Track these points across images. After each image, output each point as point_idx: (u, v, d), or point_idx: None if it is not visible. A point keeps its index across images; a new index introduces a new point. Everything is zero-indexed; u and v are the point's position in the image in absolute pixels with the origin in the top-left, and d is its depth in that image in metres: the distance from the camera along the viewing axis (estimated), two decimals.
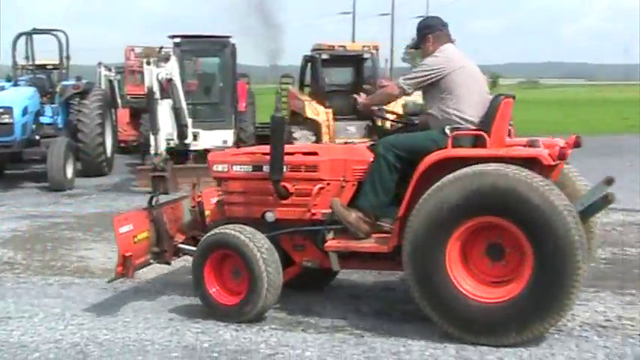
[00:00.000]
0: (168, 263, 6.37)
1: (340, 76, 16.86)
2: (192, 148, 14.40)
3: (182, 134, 13.57)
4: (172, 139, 13.45)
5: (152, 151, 13.06)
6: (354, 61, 16.62)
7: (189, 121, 13.83)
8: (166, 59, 13.39)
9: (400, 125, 6.33)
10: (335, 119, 14.74)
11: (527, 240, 5.00)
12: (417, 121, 6.09)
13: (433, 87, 5.69)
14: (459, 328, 5.17)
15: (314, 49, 16.85)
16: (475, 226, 5.16)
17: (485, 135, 5.40)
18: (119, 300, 6.54)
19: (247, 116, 18.13)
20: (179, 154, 14.18)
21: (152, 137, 13.01)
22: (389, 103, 6.14)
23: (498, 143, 5.45)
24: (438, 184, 5.15)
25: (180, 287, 6.83)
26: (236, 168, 6.16)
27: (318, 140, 14.34)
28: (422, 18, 6.31)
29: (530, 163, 5.20)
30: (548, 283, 4.94)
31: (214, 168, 6.26)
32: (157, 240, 6.16)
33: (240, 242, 5.67)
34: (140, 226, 5.98)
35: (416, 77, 5.75)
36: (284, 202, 5.95)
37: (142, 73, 13.98)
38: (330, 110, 14.73)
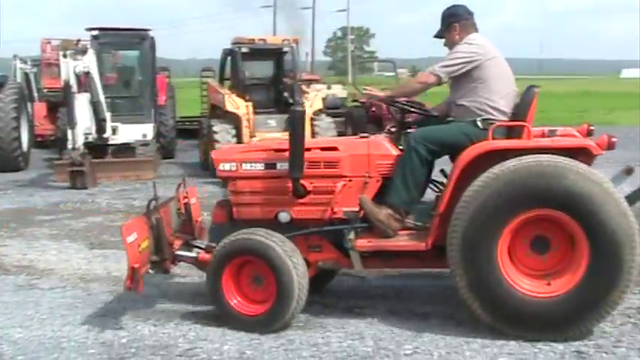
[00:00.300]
0: (167, 272, 5.79)
1: (260, 69, 16.84)
2: (110, 142, 14.23)
3: (100, 128, 13.42)
4: (90, 134, 13.29)
5: (70, 146, 12.87)
6: (274, 54, 16.62)
7: (108, 115, 13.67)
8: (84, 52, 13.20)
9: (420, 117, 5.99)
10: (255, 112, 14.72)
11: (583, 232, 4.91)
12: (436, 113, 5.91)
13: (464, 76, 5.52)
14: (511, 325, 5.06)
15: (234, 43, 16.80)
16: (527, 219, 5.02)
17: (528, 126, 5.31)
18: (35, 297, 6.42)
19: (167, 110, 18.01)
20: (97, 148, 13.99)
21: (70, 131, 12.83)
22: (421, 92, 5.83)
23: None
24: (490, 175, 4.98)
25: (98, 281, 6.75)
26: (246, 166, 5.73)
27: (239, 134, 14.33)
28: (448, 6, 5.93)
29: (577, 153, 5.13)
30: (605, 275, 4.88)
31: (220, 167, 5.78)
32: (156, 248, 5.54)
33: (267, 247, 5.28)
34: (142, 234, 5.40)
35: (453, 64, 5.53)
36: (301, 201, 5.62)
37: (58, 66, 13.72)
38: (250, 104, 14.71)
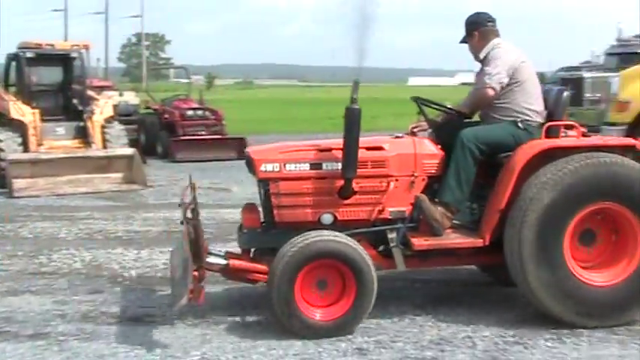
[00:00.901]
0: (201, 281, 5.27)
1: (48, 75, 16.24)
2: None
3: None
4: None
5: None
6: (62, 60, 16.09)
7: None
8: None
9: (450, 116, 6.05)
10: (42, 120, 14.19)
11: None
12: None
13: None
14: (567, 309, 5.21)
15: (20, 47, 16.10)
16: (590, 213, 5.25)
17: (577, 126, 5.56)
18: None
19: None
20: None
21: None
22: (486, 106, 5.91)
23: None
24: (561, 171, 5.17)
25: None
26: (290, 167, 5.53)
27: (25, 142, 13.76)
28: (472, 13, 6.14)
29: (625, 150, 5.44)
30: None
31: (262, 168, 5.53)
32: (195, 255, 5.14)
33: (348, 249, 5.15)
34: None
35: (500, 74, 5.69)
36: (346, 202, 5.53)
37: None
38: (36, 111, 14.16)
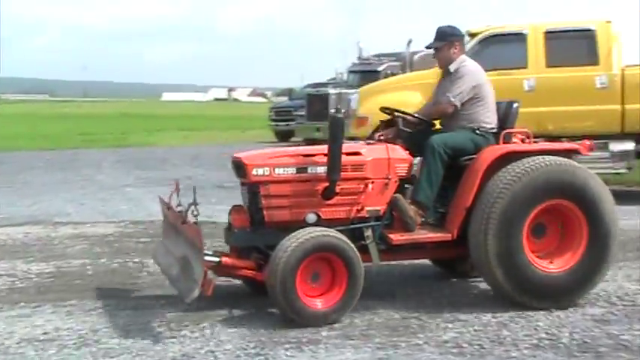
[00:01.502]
0: None
1: None
2: None
3: None
4: None
5: None
6: None
7: None
8: None
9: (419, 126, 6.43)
10: None
11: (585, 219, 5.87)
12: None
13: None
14: (530, 295, 5.78)
15: None
16: (543, 208, 5.85)
17: (529, 133, 6.24)
18: None
19: None
20: None
21: None
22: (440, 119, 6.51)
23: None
24: (519, 171, 5.77)
25: None
26: (279, 171, 5.85)
27: None
28: (447, 24, 6.57)
29: (570, 153, 6.16)
30: (598, 254, 5.88)
31: (254, 172, 5.82)
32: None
33: (341, 243, 5.58)
34: None
35: (462, 93, 6.28)
36: (328, 202, 5.90)
37: None
38: None
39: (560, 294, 5.88)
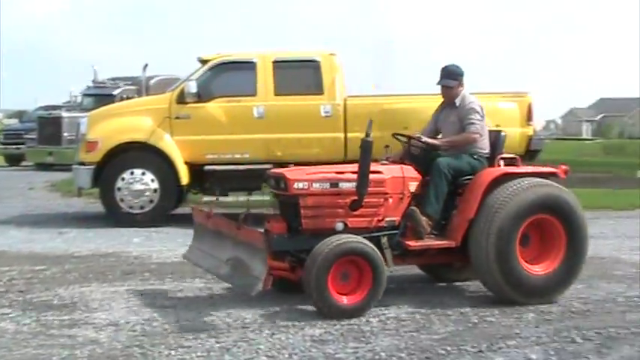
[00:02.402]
0: None
1: None
2: None
3: None
4: None
5: None
6: None
7: None
8: None
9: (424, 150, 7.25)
10: None
11: (564, 230, 6.91)
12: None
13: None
14: (523, 294, 6.77)
15: None
16: (531, 221, 6.84)
17: (519, 158, 7.38)
18: None
19: None
20: None
21: None
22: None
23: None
24: (514, 189, 6.78)
25: None
26: (315, 185, 6.70)
27: None
28: (452, 64, 7.52)
29: (552, 176, 7.15)
30: (574, 259, 6.95)
31: (295, 185, 6.66)
32: None
33: (368, 249, 6.42)
34: None
35: (481, 122, 7.30)
36: (354, 213, 6.74)
37: None
38: None
39: (545, 291, 6.90)
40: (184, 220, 12.59)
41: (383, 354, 5.39)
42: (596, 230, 11.79)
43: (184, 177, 12.10)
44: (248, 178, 12.11)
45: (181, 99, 12.18)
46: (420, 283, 7.69)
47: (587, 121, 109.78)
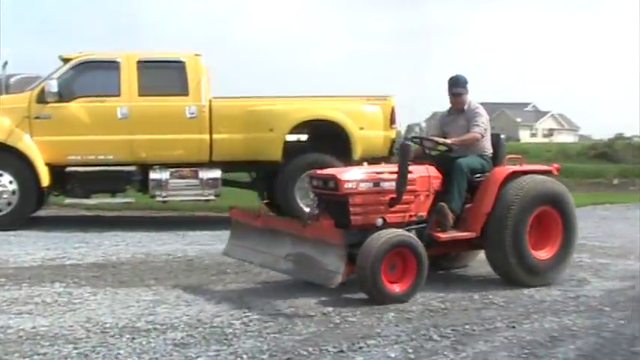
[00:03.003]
0: None
1: None
2: None
3: None
4: None
5: None
6: None
7: None
8: None
9: (443, 151, 8.13)
10: None
11: (561, 220, 7.99)
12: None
13: None
14: (532, 276, 7.77)
15: None
16: (539, 212, 7.86)
17: (521, 158, 8.33)
18: None
19: None
20: None
21: None
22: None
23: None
24: (524, 184, 7.75)
25: None
26: (362, 185, 7.31)
27: None
28: (459, 74, 8.32)
29: (549, 173, 8.25)
30: (569, 245, 8.06)
31: (345, 185, 7.22)
32: None
33: (414, 241, 7.11)
34: None
35: (485, 125, 8.17)
36: (392, 209, 7.36)
37: None
38: None
39: (548, 273, 7.89)
40: (46, 223, 12.31)
41: (245, 356, 5.40)
42: None
43: (45, 179, 11.73)
44: (111, 180, 11.92)
45: (42, 98, 11.82)
46: (282, 284, 7.73)
47: None
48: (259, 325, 6.19)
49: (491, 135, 8.32)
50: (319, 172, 7.82)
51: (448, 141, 8.09)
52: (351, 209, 7.28)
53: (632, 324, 6.33)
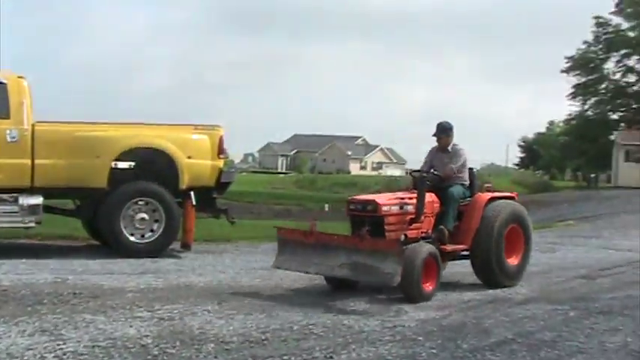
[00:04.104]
0: None
1: None
2: None
3: None
4: None
5: None
6: None
7: None
8: None
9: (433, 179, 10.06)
10: None
11: (523, 234, 10.49)
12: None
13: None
14: (507, 278, 10.23)
15: None
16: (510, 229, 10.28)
17: (491, 187, 10.96)
18: None
19: None
20: None
21: None
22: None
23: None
24: (498, 207, 10.18)
25: None
26: (393, 208, 9.49)
27: None
28: (444, 121, 10.56)
29: (512, 199, 10.68)
30: (527, 253, 10.65)
31: (384, 208, 9.36)
32: None
33: (438, 252, 9.34)
34: None
35: (461, 164, 10.36)
36: (411, 227, 9.50)
37: None
38: None
39: (515, 276, 10.39)
40: None
41: None
42: None
43: None
44: None
45: None
46: (103, 314, 7.53)
47: (283, 155, 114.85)
48: (74, 357, 6.01)
49: (469, 170, 10.48)
50: (357, 197, 10.01)
51: (441, 175, 10.11)
52: (386, 227, 9.33)
53: (442, 353, 6.62)
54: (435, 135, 10.45)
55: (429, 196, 9.70)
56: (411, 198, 9.58)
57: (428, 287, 9.01)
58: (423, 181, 9.65)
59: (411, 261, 8.75)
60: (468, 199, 10.16)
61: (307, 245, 9.23)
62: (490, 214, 9.95)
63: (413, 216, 9.45)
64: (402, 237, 9.17)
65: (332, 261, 8.95)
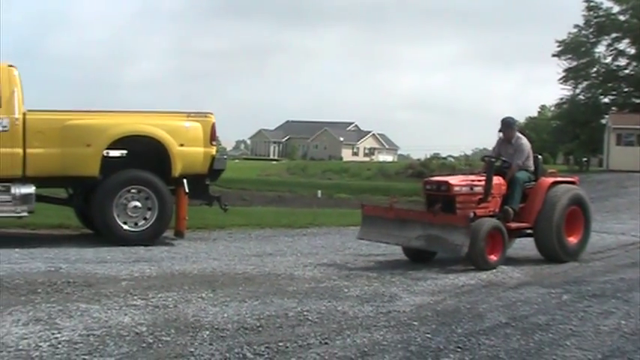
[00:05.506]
0: None
1: None
2: None
3: None
4: None
5: None
6: None
7: None
8: None
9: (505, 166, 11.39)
10: None
11: (583, 215, 11.63)
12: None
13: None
14: (567, 255, 11.32)
15: None
16: (570, 210, 11.47)
17: (556, 172, 12.73)
18: None
19: None
20: None
21: None
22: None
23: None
24: (561, 190, 11.43)
25: None
26: (464, 189, 10.79)
27: None
28: (507, 117, 11.97)
29: (574, 182, 11.95)
30: (587, 233, 11.77)
31: (455, 189, 10.73)
32: None
33: (502, 227, 10.59)
34: None
35: (526, 157, 11.55)
36: (479, 206, 10.72)
37: None
38: None
39: (574, 254, 11.43)
40: None
41: None
42: (275, 248, 12.40)
43: None
44: None
45: None
46: (97, 302, 7.52)
47: (275, 142, 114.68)
48: (68, 347, 5.98)
49: (533, 157, 11.66)
50: (432, 178, 11.43)
51: (512, 164, 11.37)
52: (457, 205, 10.65)
53: (437, 337, 6.63)
54: (500, 130, 11.90)
55: (497, 179, 10.98)
56: (480, 180, 10.91)
57: (492, 258, 10.27)
58: (492, 165, 10.97)
59: (477, 233, 10.09)
60: (533, 182, 11.42)
61: (388, 219, 10.90)
62: (552, 196, 11.21)
63: (481, 196, 10.74)
64: (471, 214, 10.40)
65: (409, 233, 10.58)
